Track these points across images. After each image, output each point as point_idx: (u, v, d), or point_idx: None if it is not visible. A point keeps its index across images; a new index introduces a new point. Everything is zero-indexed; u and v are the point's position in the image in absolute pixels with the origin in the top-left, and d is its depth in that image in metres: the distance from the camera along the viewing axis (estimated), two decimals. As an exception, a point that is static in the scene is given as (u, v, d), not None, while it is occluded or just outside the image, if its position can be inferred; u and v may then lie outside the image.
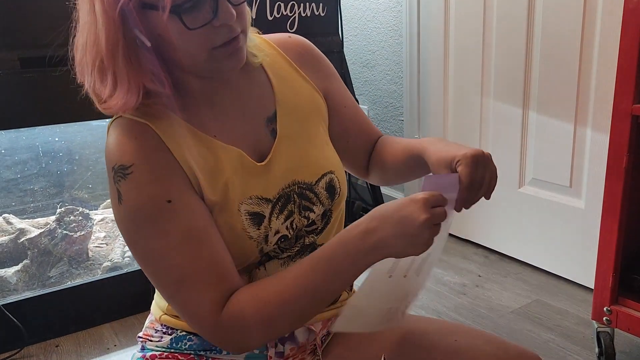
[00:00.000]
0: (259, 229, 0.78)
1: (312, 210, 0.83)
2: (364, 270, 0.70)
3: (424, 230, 0.64)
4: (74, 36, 0.73)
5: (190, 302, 0.72)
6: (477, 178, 0.72)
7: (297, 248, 0.83)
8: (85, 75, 0.72)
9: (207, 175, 0.75)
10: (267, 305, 0.71)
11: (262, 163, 0.80)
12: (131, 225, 0.72)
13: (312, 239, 0.85)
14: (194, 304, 0.72)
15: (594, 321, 1.48)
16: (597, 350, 1.51)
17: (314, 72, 0.90)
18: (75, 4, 0.72)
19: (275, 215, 0.79)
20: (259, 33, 0.89)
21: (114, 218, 0.75)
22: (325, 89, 0.91)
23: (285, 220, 0.80)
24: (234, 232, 0.76)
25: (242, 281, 0.76)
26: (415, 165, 0.85)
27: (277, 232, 0.80)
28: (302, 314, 0.73)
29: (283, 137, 0.83)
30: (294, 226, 0.82)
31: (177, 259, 0.71)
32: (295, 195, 0.81)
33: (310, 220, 0.83)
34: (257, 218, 0.78)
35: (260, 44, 0.86)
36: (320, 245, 0.85)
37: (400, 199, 0.67)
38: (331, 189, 0.85)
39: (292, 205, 0.81)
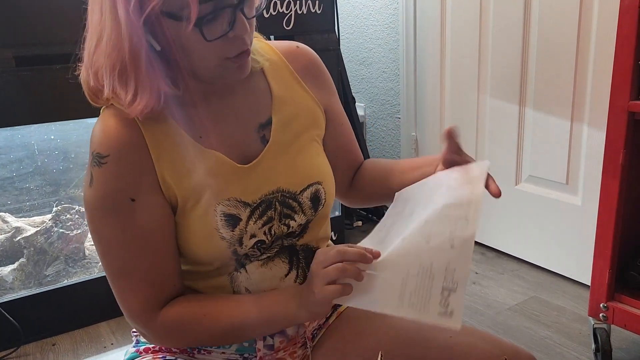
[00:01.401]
0: (232, 231, 0.79)
1: (292, 219, 0.83)
2: (288, 325, 0.83)
3: (313, 274, 0.75)
4: (84, 39, 0.73)
5: (125, 294, 0.78)
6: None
7: (276, 249, 0.84)
8: (103, 78, 0.72)
9: (182, 175, 0.77)
10: (191, 325, 0.79)
11: (246, 165, 0.81)
12: (94, 209, 0.76)
13: (291, 242, 0.85)
14: (128, 297, 0.78)
15: (590, 318, 1.48)
16: (593, 346, 1.51)
17: (317, 85, 0.90)
18: (86, 5, 0.72)
19: (254, 220, 0.80)
20: (265, 39, 0.89)
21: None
22: (325, 104, 0.91)
23: (263, 226, 0.81)
24: (207, 231, 0.78)
25: (178, 290, 0.81)
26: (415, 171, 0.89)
27: (254, 236, 0.80)
28: (224, 340, 0.83)
29: (274, 145, 0.83)
30: (272, 232, 0.82)
31: (122, 252, 0.76)
32: (277, 203, 0.82)
33: (290, 228, 0.84)
34: (232, 220, 0.79)
35: (262, 49, 0.86)
36: (301, 246, 0.86)
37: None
38: (316, 199, 0.85)
39: (273, 212, 0.81)
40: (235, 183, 0.79)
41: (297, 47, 0.91)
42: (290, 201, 0.83)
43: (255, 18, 0.74)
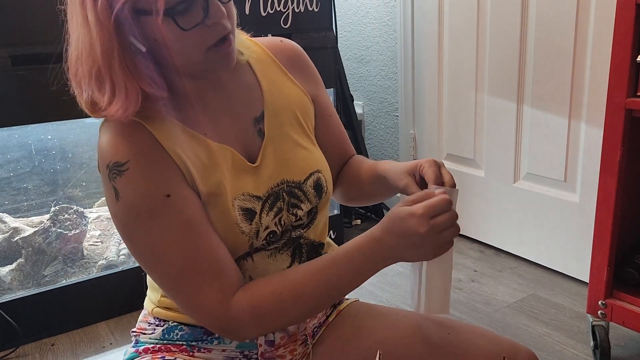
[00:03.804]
0: (250, 225, 0.79)
1: (299, 208, 0.85)
2: (374, 274, 0.75)
3: (427, 239, 0.70)
4: (66, 49, 0.73)
5: (195, 293, 0.74)
6: (444, 173, 0.79)
7: (284, 241, 0.85)
8: (83, 85, 0.72)
9: (200, 171, 0.77)
10: (281, 296, 0.74)
11: (254, 165, 0.82)
12: (130, 221, 0.73)
13: (299, 232, 0.86)
14: (199, 295, 0.74)
15: (589, 315, 1.48)
16: (592, 343, 1.52)
17: (304, 77, 0.91)
18: (65, 16, 0.72)
19: (265, 212, 0.81)
20: (249, 36, 0.89)
21: (109, 215, 0.76)
22: (313, 95, 0.92)
23: (274, 217, 0.82)
24: (228, 226, 0.78)
25: (239, 273, 0.78)
26: (378, 185, 0.90)
27: (267, 227, 0.81)
28: (314, 307, 0.77)
29: (270, 138, 0.84)
30: (282, 222, 0.83)
31: (179, 251, 0.73)
32: (284, 193, 0.83)
33: (297, 217, 0.85)
34: (249, 214, 0.79)
35: (246, 42, 0.87)
36: (308, 238, 0.87)
37: (401, 210, 0.71)
38: (319, 187, 0.86)
39: (282, 203, 0.83)
40: (246, 178, 0.80)
41: (281, 41, 0.92)
42: (296, 190, 0.84)
43: (232, 3, 0.73)
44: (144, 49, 0.70)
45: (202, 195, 0.76)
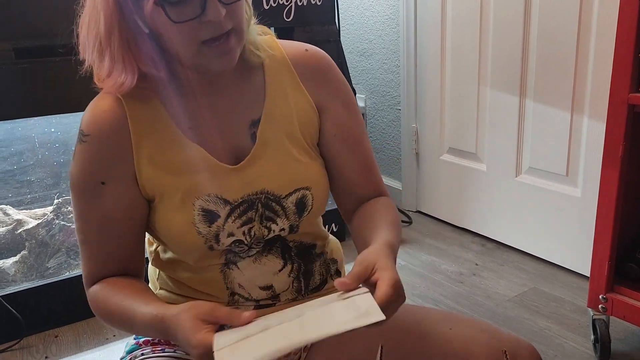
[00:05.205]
0: (209, 227, 0.79)
1: (274, 222, 0.82)
2: None
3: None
4: (80, 15, 0.76)
5: (82, 259, 0.84)
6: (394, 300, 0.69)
7: (262, 243, 0.84)
8: (87, 55, 0.76)
9: (159, 166, 0.78)
10: (106, 311, 0.83)
11: (229, 166, 0.80)
12: (72, 183, 0.81)
13: (277, 237, 0.84)
14: (83, 262, 0.84)
15: (589, 309, 1.49)
16: (592, 337, 1.52)
17: (317, 88, 0.86)
18: None
19: (232, 219, 0.80)
20: (275, 36, 0.87)
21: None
22: (320, 105, 0.87)
23: (242, 226, 0.81)
24: (185, 224, 0.78)
25: (121, 273, 0.84)
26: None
27: (231, 234, 0.80)
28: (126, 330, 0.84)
29: (262, 144, 0.82)
30: (252, 234, 0.82)
31: (85, 225, 0.81)
32: (259, 204, 0.81)
33: (271, 232, 0.83)
34: (209, 216, 0.79)
35: (268, 45, 0.85)
36: (293, 242, 0.86)
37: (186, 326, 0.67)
38: (301, 205, 0.83)
39: (254, 213, 0.81)
40: (217, 180, 0.79)
41: (306, 50, 0.87)
42: (274, 204, 0.81)
43: (241, 3, 0.72)
44: (146, 30, 0.72)
45: (155, 190, 0.78)
